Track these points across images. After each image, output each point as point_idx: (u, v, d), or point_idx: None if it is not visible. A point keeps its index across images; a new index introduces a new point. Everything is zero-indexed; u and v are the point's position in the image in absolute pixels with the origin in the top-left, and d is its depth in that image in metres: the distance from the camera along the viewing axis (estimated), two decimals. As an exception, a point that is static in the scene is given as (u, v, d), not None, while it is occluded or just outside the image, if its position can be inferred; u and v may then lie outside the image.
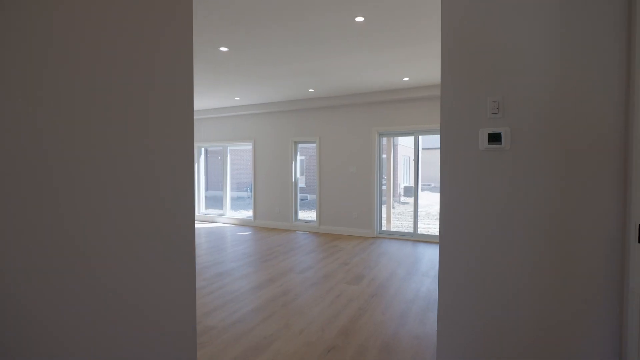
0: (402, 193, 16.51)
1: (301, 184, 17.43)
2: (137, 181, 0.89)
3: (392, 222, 8.21)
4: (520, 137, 1.64)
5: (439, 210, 1.75)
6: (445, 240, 1.79)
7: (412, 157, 20.92)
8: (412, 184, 17.90)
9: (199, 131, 7.99)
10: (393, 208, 10.73)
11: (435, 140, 25.37)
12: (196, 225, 7.36)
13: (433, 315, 2.81)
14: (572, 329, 1.54)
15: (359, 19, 2.94)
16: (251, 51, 3.78)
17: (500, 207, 1.68)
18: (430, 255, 4.79)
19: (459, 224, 1.76)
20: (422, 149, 21.93)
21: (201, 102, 6.68)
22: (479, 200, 1.71)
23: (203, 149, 8.22)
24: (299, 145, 7.02)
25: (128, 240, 0.87)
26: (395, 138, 15.87)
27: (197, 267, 4.25)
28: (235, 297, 3.26)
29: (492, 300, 1.70)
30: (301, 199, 15.91)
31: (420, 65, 4.29)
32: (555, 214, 1.57)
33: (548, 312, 1.58)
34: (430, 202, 14.08)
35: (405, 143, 18.20)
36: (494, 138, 1.66)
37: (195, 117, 7.72)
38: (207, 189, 21.42)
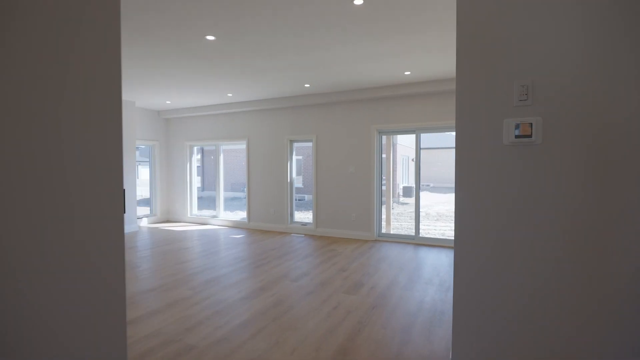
0: (400, 193, 16.25)
1: (298, 184, 17.16)
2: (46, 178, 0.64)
3: (391, 223, 7.94)
4: (554, 129, 1.35)
5: (454, 212, 1.44)
6: (462, 245, 1.51)
7: (411, 157, 20.72)
8: (410, 184, 17.66)
9: (190, 129, 7.69)
10: (392, 209, 10.47)
11: (434, 139, 25.19)
12: (188, 228, 7.06)
13: (440, 331, 2.54)
14: (605, 331, 1.26)
15: (358, 2, 2.65)
16: (241, 41, 3.49)
17: (530, 210, 1.39)
18: (432, 260, 4.51)
19: (477, 229, 1.48)
20: (421, 148, 21.72)
21: (192, 99, 6.38)
22: (502, 202, 1.43)
23: (195, 148, 7.92)
24: (295, 144, 6.74)
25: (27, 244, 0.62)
26: (394, 137, 15.63)
27: (185, 273, 3.96)
28: (222, 308, 2.97)
29: (515, 310, 1.42)
30: (299, 199, 15.63)
31: (424, 57, 4.01)
32: (593, 218, 1.29)
33: (580, 318, 1.31)
34: (429, 202, 13.84)
35: (403, 142, 17.96)
36: (523, 130, 1.38)
37: (186, 114, 7.42)
38: (203, 189, 21.11)
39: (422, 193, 17.99)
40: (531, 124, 1.36)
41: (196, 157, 7.96)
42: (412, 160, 20.47)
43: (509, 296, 1.42)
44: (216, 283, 3.63)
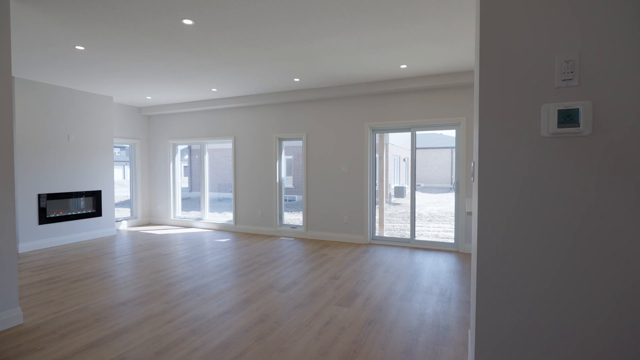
0: (392, 194, 16.05)
1: (288, 184, 16.80)
2: None
3: (384, 224, 7.68)
4: (608, 116, 1.07)
5: (477, 218, 1.10)
6: (485, 260, 1.22)
7: (402, 157, 20.55)
8: (402, 184, 17.47)
9: (173, 127, 7.28)
10: (385, 210, 10.20)
11: (423, 139, 25.13)
12: (170, 231, 6.66)
13: (447, 351, 2.25)
14: None
15: (353, -20, 2.35)
16: (222, 27, 3.15)
17: (576, 217, 1.10)
18: (430, 266, 4.24)
19: (507, 236, 1.19)
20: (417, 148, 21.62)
21: (174, 94, 5.99)
22: (538, 206, 1.14)
23: (180, 148, 7.51)
24: (285, 143, 6.40)
25: None
26: (386, 136, 15.41)
27: (162, 283, 3.59)
28: (200, 326, 2.63)
29: (547, 324, 1.13)
30: (289, 200, 15.28)
31: (422, 49, 3.73)
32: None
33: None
34: (421, 202, 13.65)
35: (394, 142, 17.79)
36: (567, 118, 1.09)
37: (168, 111, 7.01)
38: (190, 189, 20.57)
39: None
40: (578, 109, 1.07)
41: (180, 156, 7.54)
42: (404, 160, 20.32)
43: (537, 309, 1.14)
44: (195, 295, 3.28)
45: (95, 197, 5.99)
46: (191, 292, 3.35)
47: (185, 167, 24.52)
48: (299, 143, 15.25)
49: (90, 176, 5.92)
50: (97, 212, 6.02)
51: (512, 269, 1.18)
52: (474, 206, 1.70)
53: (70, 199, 5.65)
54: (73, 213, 5.68)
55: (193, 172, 20.23)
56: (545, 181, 1.12)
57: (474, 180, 1.74)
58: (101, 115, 6.08)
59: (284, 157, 6.41)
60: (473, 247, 1.62)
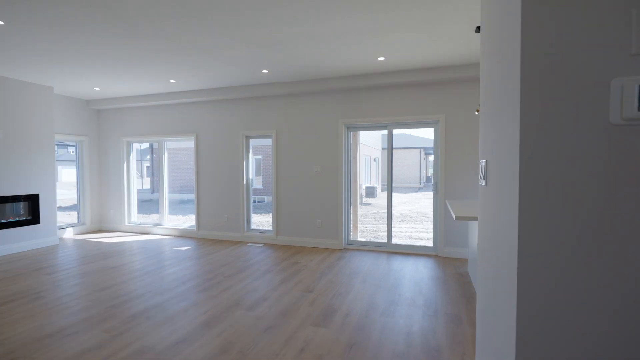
0: (363, 194, 15.93)
1: (257, 185, 16.19)
2: None
3: (357, 226, 7.41)
4: None
5: (517, 224, 0.69)
6: (531, 272, 0.88)
7: (372, 157, 20.50)
8: (373, 185, 17.42)
9: (127, 123, 6.56)
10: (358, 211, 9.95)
11: (393, 139, 25.34)
12: (124, 239, 5.96)
13: (442, 381, 1.93)
14: None
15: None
16: (176, 4, 2.66)
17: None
18: (411, 273, 3.97)
19: (562, 252, 0.86)
20: (383, 148, 21.70)
21: (126, 85, 5.33)
22: (603, 218, 0.82)
23: (134, 145, 6.79)
24: (253, 141, 5.92)
25: None
26: (358, 134, 15.25)
27: (104, 305, 3.04)
28: (146, 361, 2.14)
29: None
30: (258, 201, 14.69)
31: (401, 39, 3.44)
32: None
33: None
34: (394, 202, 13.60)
35: (365, 141, 17.70)
36: (652, 97, 0.77)
37: (121, 105, 6.29)
38: (152, 191, 19.33)
39: (383, 193, 17.83)
40: (664, 86, 0.76)
41: (136, 155, 6.83)
42: (374, 160, 20.32)
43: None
44: (145, 319, 2.76)
45: (31, 201, 5.20)
46: (139, 315, 2.83)
47: (147, 167, 23.08)
48: (269, 141, 14.72)
49: (25, 178, 5.13)
50: (33, 219, 5.23)
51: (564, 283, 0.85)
52: (481, 211, 1.39)
53: None
54: (2, 221, 4.88)
55: (155, 172, 19.06)
56: (616, 183, 0.80)
57: (486, 184, 1.43)
58: (39, 108, 5.29)
59: (252, 157, 5.94)
60: (483, 258, 1.31)
